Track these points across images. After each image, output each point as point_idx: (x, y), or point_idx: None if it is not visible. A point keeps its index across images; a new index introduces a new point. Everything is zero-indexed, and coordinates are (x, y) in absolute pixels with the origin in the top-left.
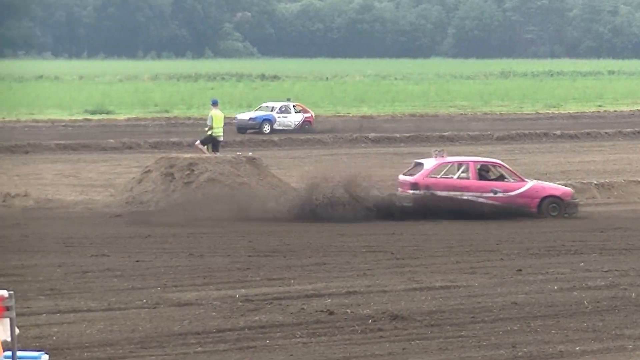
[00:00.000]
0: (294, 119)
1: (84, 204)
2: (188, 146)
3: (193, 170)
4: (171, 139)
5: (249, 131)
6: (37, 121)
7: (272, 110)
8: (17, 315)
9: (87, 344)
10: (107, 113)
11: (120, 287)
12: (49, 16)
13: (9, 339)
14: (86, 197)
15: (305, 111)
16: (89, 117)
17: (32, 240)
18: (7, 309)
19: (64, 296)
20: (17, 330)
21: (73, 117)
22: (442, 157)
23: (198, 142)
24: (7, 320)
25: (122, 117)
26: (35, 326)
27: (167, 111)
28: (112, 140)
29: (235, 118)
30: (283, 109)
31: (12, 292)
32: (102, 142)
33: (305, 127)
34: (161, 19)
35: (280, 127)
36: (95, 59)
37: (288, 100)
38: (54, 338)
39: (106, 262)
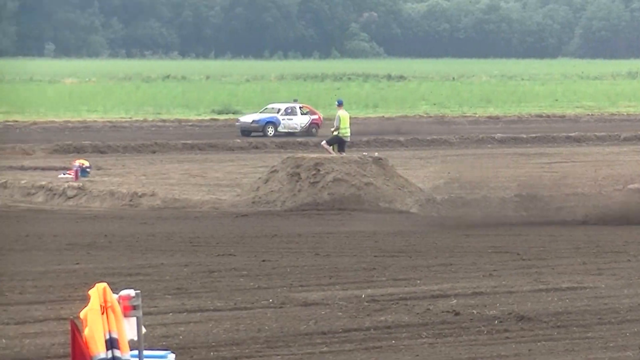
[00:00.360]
0: (300, 121)
1: (210, 203)
2: (314, 146)
3: (319, 170)
4: (297, 139)
5: (253, 134)
6: (164, 121)
7: (277, 112)
8: (144, 314)
9: (213, 343)
10: (234, 113)
11: (246, 287)
12: (176, 16)
13: (135, 338)
14: (213, 196)
15: (313, 113)
16: (216, 117)
17: (159, 240)
18: (134, 308)
19: (191, 295)
20: (143, 330)
21: (200, 117)
22: None
23: (324, 142)
24: (134, 320)
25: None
26: (161, 325)
27: None
28: (238, 140)
29: (238, 120)
30: (289, 110)
31: (138, 291)
32: (228, 142)
33: (312, 130)
34: (288, 19)
35: (286, 130)
36: (222, 59)
37: (295, 101)
38: (181, 337)
39: (232, 261)
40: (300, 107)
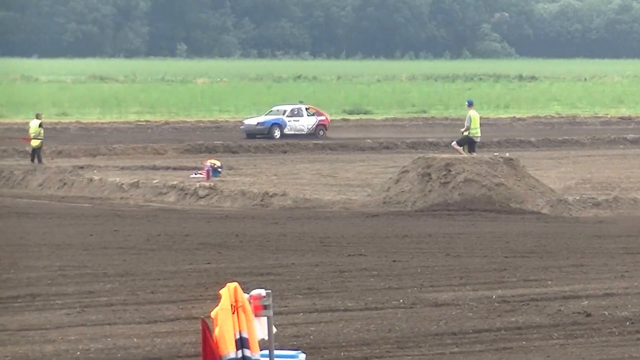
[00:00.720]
0: (306, 122)
1: (341, 203)
2: (445, 146)
3: (450, 171)
4: (428, 139)
5: (257, 136)
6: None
7: (283, 114)
8: (275, 314)
9: (343, 343)
10: (365, 113)
11: (376, 287)
12: (308, 16)
13: (266, 338)
14: (343, 196)
15: (320, 114)
16: (347, 117)
17: (289, 240)
18: (265, 307)
19: (321, 295)
20: (274, 329)
21: (331, 117)
22: None
23: (454, 142)
24: (265, 319)
25: (379, 117)
26: (292, 325)
27: (424, 111)
28: (369, 140)
29: (242, 123)
30: (295, 112)
31: (269, 291)
32: (359, 142)
33: (319, 132)
34: (419, 19)
35: (292, 132)
36: (353, 59)
37: (300, 102)
38: (311, 337)
39: (363, 261)
40: (306, 109)
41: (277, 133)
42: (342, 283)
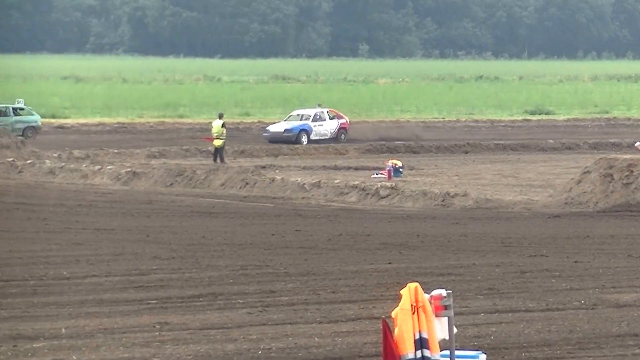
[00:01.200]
0: (329, 126)
1: (522, 204)
2: (627, 147)
3: (632, 172)
4: (610, 140)
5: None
6: (477, 121)
7: (302, 119)
8: (455, 314)
9: (524, 344)
10: (547, 113)
11: (558, 288)
12: (490, 17)
13: (447, 338)
14: (525, 197)
15: (340, 117)
16: (529, 117)
17: (470, 240)
18: (446, 308)
19: (502, 296)
20: (455, 330)
21: (512, 117)
22: None
23: (638, 143)
24: (446, 320)
25: (561, 117)
26: (473, 325)
27: (606, 112)
28: (551, 141)
29: (266, 130)
30: (317, 116)
31: (450, 291)
32: (541, 143)
33: (341, 135)
34: (602, 19)
35: (317, 137)
36: (536, 59)
37: (319, 105)
38: (492, 337)
39: (544, 262)
40: (327, 112)
41: (304, 139)
42: (523, 284)
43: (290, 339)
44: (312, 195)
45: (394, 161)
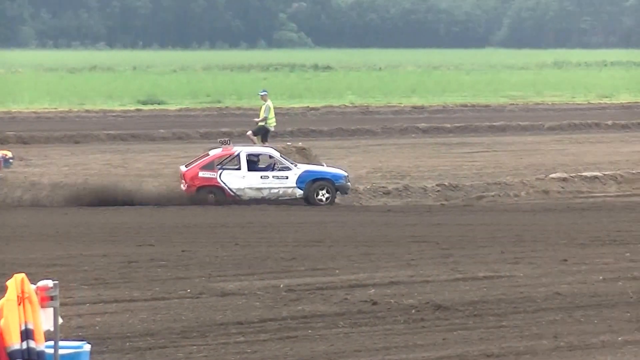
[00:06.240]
0: None
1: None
2: (238, 136)
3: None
4: (221, 129)
5: None
6: (88, 111)
7: None
8: (61, 305)
9: (128, 334)
10: (159, 103)
11: (164, 277)
12: (104, 6)
13: (52, 329)
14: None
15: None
16: (140, 107)
17: (78, 230)
18: (52, 298)
19: (107, 286)
20: (60, 320)
21: (124, 107)
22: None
23: (250, 132)
24: (51, 310)
25: (173, 107)
26: (77, 316)
27: (218, 101)
28: (162, 131)
29: None
30: None
31: (57, 282)
32: (151, 133)
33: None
34: (215, 9)
35: None
36: (150, 49)
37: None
38: (96, 328)
39: (151, 251)
40: None
41: None
42: (129, 273)
43: None
44: None
45: (4, 152)
